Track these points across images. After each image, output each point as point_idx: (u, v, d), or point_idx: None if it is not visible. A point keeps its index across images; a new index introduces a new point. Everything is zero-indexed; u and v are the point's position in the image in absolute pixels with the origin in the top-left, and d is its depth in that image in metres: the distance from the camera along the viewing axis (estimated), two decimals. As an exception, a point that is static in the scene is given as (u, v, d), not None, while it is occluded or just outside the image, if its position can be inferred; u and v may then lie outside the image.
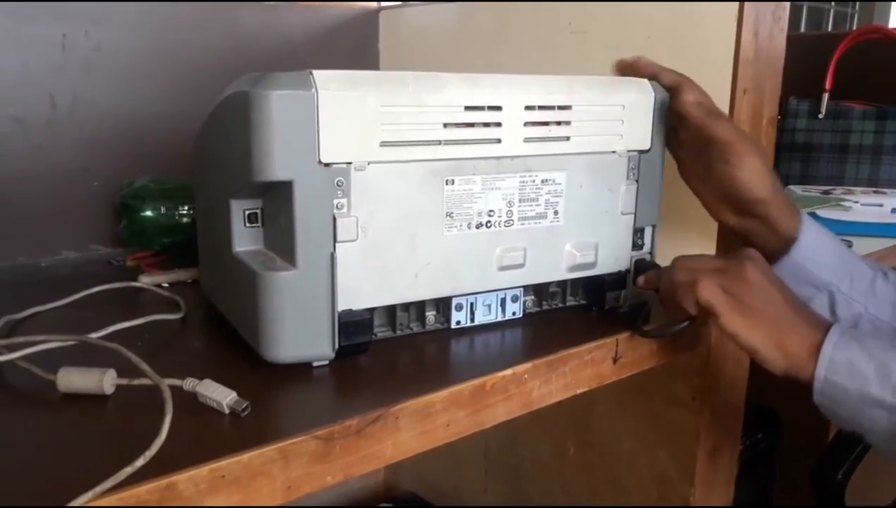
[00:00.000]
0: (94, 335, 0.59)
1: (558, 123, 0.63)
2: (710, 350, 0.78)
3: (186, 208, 0.88)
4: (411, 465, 1.32)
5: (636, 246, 0.71)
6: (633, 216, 0.70)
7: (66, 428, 0.48)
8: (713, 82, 0.74)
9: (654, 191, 0.71)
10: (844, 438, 0.97)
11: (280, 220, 0.56)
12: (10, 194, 0.87)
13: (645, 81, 0.68)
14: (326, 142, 0.53)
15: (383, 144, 0.56)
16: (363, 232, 0.56)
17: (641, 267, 0.71)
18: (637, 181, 0.69)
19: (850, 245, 1.01)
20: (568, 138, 0.64)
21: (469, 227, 0.62)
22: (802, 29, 3.38)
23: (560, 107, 0.63)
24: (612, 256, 0.70)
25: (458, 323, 0.65)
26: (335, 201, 0.55)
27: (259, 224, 0.59)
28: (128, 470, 0.41)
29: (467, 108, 0.59)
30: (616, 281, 0.71)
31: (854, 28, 2.64)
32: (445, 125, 0.58)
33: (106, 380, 0.50)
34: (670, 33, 0.77)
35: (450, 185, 0.60)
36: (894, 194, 1.16)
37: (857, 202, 1.09)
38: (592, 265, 0.69)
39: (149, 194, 0.87)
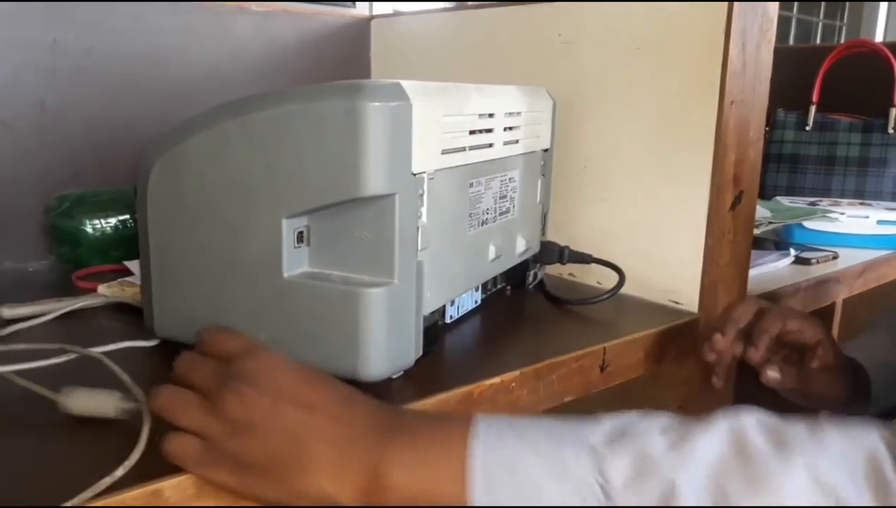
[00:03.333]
0: (96, 348, 0.57)
1: (512, 128, 0.70)
2: (697, 359, 0.79)
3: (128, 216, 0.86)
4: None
5: (542, 230, 0.83)
6: (542, 205, 0.82)
7: (51, 437, 0.48)
8: (700, 94, 0.74)
9: (550, 182, 0.83)
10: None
11: (359, 235, 0.54)
12: (-2, 198, 0.87)
13: (543, 89, 0.79)
14: (416, 152, 0.54)
15: (444, 152, 0.58)
16: (430, 238, 0.58)
17: (549, 249, 0.82)
18: (543, 175, 0.81)
19: (835, 256, 1.02)
20: (517, 141, 0.72)
21: (479, 225, 0.67)
22: (791, 42, 3.41)
23: (516, 114, 0.70)
24: (533, 241, 0.80)
25: (451, 317, 0.68)
26: (419, 210, 0.56)
27: (305, 243, 0.56)
28: (106, 481, 0.40)
29: (479, 116, 0.64)
30: (531, 262, 0.81)
31: (842, 41, 2.67)
32: (471, 132, 0.62)
33: (119, 403, 0.48)
34: (658, 45, 0.78)
35: (471, 188, 0.65)
36: (880, 206, 1.17)
37: (843, 214, 1.10)
38: (527, 250, 0.79)
39: (86, 208, 0.85)
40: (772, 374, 0.68)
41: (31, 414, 0.50)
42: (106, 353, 0.55)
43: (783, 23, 3.35)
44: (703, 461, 0.39)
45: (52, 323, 0.66)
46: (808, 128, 1.34)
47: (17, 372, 0.52)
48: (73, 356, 0.55)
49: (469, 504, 0.40)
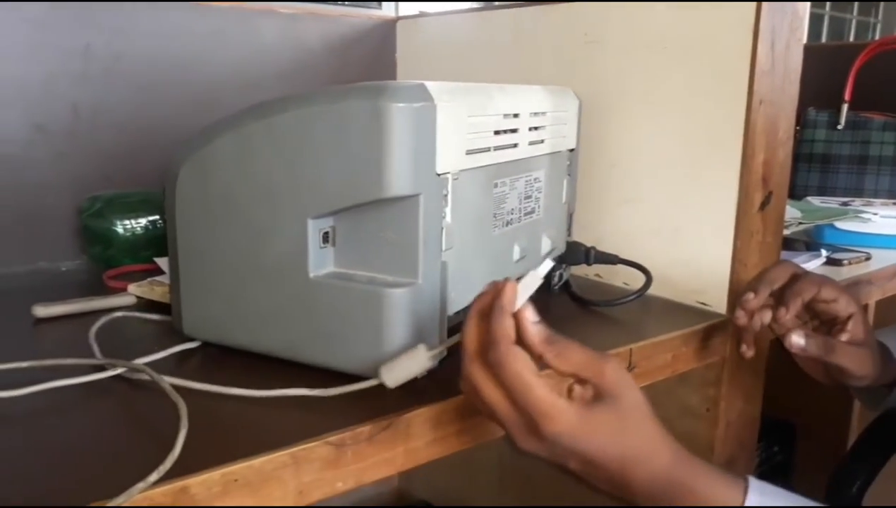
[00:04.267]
0: (142, 359, 0.58)
1: (537, 128, 0.70)
2: (725, 361, 0.78)
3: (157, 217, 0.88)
4: (424, 473, 1.32)
5: (568, 231, 0.83)
6: (567, 205, 0.82)
7: (91, 441, 0.49)
8: (728, 93, 0.74)
9: (576, 182, 0.83)
10: (860, 452, 0.96)
11: (384, 236, 0.55)
12: (32, 200, 0.88)
13: (569, 89, 0.78)
14: (440, 153, 0.54)
15: (468, 153, 0.58)
16: (454, 238, 0.58)
17: (575, 249, 0.82)
18: (569, 175, 0.80)
19: (868, 257, 1.00)
20: (543, 141, 0.71)
21: (504, 225, 0.67)
22: (824, 39, 3.35)
23: (541, 114, 0.70)
24: (559, 241, 0.80)
25: None
26: (443, 211, 0.56)
27: (330, 244, 0.57)
28: (140, 486, 0.41)
29: (504, 116, 0.63)
30: (556, 261, 0.80)
31: (876, 38, 2.62)
32: (496, 132, 0.62)
33: (426, 355, 0.52)
34: (686, 44, 0.77)
35: (495, 188, 0.65)
36: (914, 206, 1.15)
37: (876, 214, 1.08)
38: (552, 251, 0.78)
39: (117, 209, 0.87)
40: (796, 340, 0.65)
41: (73, 419, 0.51)
42: (150, 363, 0.57)
43: (816, 20, 3.30)
44: None
45: (85, 323, 0.67)
46: (840, 127, 1.32)
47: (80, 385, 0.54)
48: (121, 370, 0.56)
49: None
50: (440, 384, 0.56)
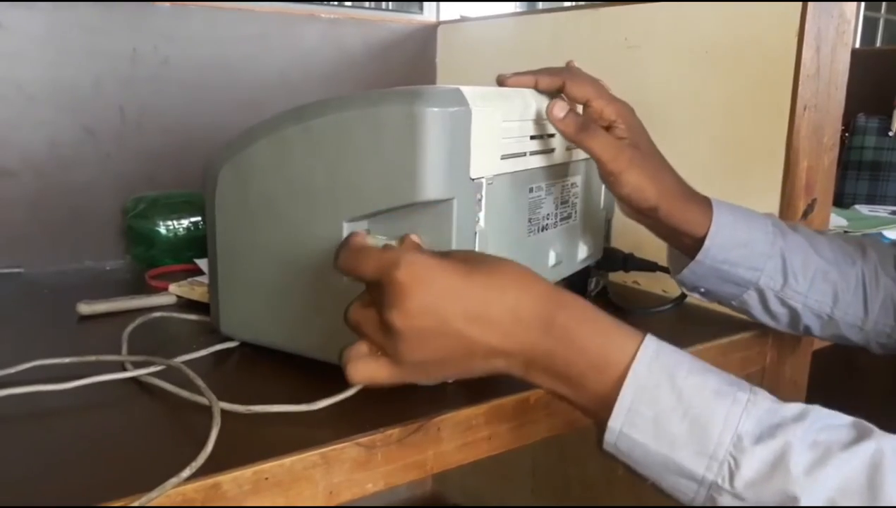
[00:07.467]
0: (180, 358, 0.59)
1: None
2: (764, 371, 0.76)
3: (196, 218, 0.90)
4: (459, 478, 1.32)
5: (606, 237, 0.82)
6: (605, 211, 0.80)
7: (126, 437, 0.50)
8: (772, 99, 0.72)
9: None
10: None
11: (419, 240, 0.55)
12: (80, 200, 0.91)
13: None
14: (474, 157, 0.54)
15: (503, 157, 0.58)
16: (488, 243, 0.58)
17: (612, 256, 0.81)
18: None
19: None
20: None
21: (539, 231, 0.66)
22: (879, 43, 3.27)
23: None
24: (595, 247, 0.78)
25: None
26: (477, 215, 0.56)
27: None
28: (173, 481, 0.42)
29: (541, 121, 0.63)
30: (592, 269, 0.80)
31: (931, 43, 2.54)
32: (532, 137, 0.62)
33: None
34: (728, 48, 0.76)
35: (531, 193, 0.64)
36: (968, 216, 1.11)
37: (927, 223, 1.05)
38: (588, 257, 0.76)
39: (160, 210, 0.89)
40: (557, 112, 0.60)
41: (111, 414, 0.52)
42: (188, 362, 0.57)
43: (871, 24, 3.22)
44: (832, 484, 0.39)
45: (126, 321, 0.69)
46: (891, 134, 1.29)
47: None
48: (158, 367, 0.57)
49: (605, 423, 0.43)
50: (471, 388, 0.56)
